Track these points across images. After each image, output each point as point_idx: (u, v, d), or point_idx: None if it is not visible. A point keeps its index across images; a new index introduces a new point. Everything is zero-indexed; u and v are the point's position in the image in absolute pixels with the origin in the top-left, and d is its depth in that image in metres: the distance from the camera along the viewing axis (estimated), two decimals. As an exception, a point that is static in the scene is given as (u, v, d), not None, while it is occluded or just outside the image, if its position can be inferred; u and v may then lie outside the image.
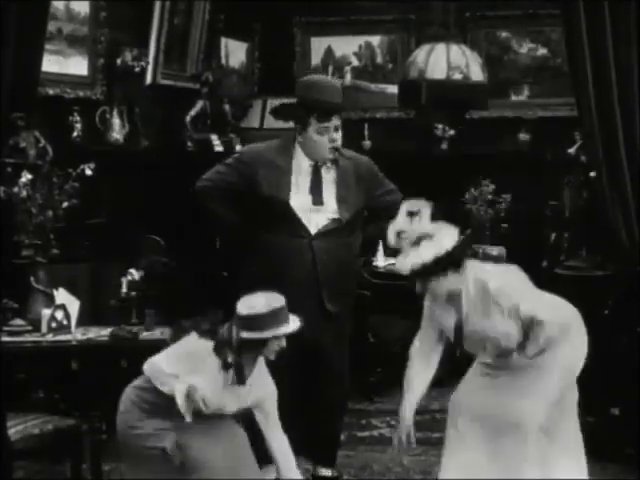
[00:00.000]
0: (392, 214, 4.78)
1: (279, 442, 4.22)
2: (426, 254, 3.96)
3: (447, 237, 4.01)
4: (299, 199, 4.68)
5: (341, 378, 4.85)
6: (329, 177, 4.74)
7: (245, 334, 4.03)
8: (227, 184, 4.77)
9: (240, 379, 4.07)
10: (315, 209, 4.70)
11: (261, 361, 4.18)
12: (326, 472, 4.95)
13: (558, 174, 7.35)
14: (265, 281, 4.66)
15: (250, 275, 4.74)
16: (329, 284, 4.67)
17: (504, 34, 9.21)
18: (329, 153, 4.69)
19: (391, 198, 4.84)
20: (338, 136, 4.69)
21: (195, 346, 4.08)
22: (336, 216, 4.70)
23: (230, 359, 4.04)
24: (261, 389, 4.19)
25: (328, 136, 4.65)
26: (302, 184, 4.71)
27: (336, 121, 4.68)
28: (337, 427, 4.93)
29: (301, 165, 4.72)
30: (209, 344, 4.06)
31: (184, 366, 4.03)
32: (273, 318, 4.04)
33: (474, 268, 4.10)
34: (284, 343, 4.09)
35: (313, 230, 4.69)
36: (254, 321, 4.04)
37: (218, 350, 4.06)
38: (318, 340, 4.66)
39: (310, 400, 4.79)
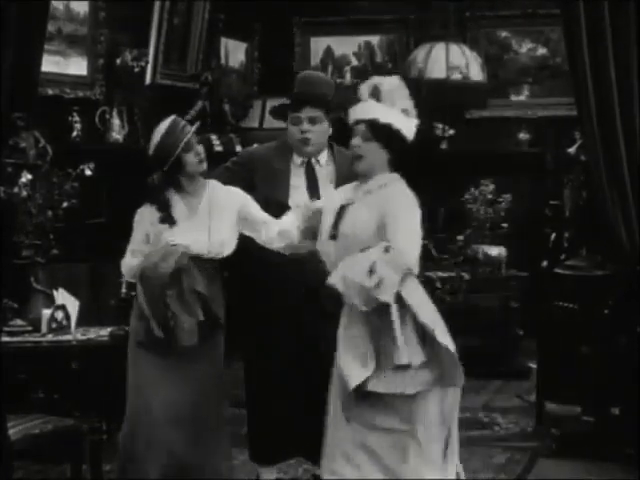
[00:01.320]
0: None
1: (280, 223, 4.36)
2: (396, 118, 4.00)
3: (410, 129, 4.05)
4: (298, 198, 4.65)
5: None
6: (325, 174, 4.72)
7: (163, 168, 4.27)
8: None
9: (168, 214, 4.32)
10: None
11: (213, 186, 4.41)
12: None
13: (558, 174, 7.35)
14: (265, 280, 4.66)
15: (251, 274, 4.74)
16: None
17: (504, 34, 9.22)
18: (300, 143, 4.64)
19: None
20: (313, 128, 4.62)
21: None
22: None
23: (161, 198, 4.33)
24: (227, 204, 4.34)
25: (299, 126, 4.62)
26: (300, 183, 4.70)
27: (310, 112, 4.62)
28: None
29: (296, 163, 4.72)
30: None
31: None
32: (172, 136, 4.26)
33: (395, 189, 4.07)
34: (200, 149, 4.37)
35: None
36: (160, 149, 4.26)
37: (152, 199, 4.36)
38: (319, 341, 4.65)
39: (310, 401, 4.78)
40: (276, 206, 4.62)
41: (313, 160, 4.71)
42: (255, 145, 5.03)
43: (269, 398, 4.78)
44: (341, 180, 4.65)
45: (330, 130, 4.71)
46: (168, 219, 4.32)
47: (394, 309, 3.81)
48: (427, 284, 6.92)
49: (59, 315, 4.86)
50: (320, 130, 4.64)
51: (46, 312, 4.85)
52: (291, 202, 4.64)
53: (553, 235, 6.35)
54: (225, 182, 4.67)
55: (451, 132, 9.08)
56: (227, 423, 6.00)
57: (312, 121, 4.61)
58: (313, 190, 4.67)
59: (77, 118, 6.69)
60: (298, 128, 4.62)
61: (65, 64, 6.75)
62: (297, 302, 4.63)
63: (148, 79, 7.63)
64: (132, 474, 4.27)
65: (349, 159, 4.77)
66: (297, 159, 4.71)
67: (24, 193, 5.08)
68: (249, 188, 4.64)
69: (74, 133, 6.66)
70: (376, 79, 4.15)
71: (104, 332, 4.89)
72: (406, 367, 3.83)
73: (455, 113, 9.04)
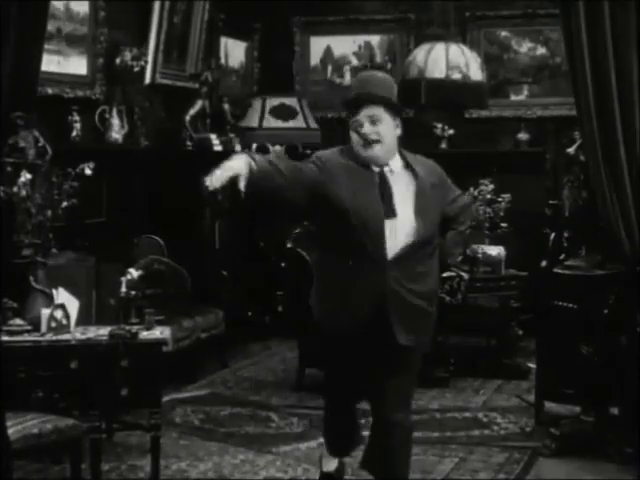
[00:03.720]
0: (461, 219, 4.34)
1: None
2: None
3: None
4: (370, 212, 4.09)
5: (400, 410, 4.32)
6: (401, 185, 4.16)
7: None
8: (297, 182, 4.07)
9: None
10: (389, 225, 4.08)
11: None
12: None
13: (557, 174, 7.34)
14: (330, 307, 4.24)
15: (318, 298, 4.31)
16: (402, 318, 4.12)
17: (503, 33, 9.23)
18: (362, 149, 4.11)
19: (460, 204, 4.36)
20: (375, 129, 4.10)
21: None
22: (414, 235, 4.09)
23: None
24: None
25: (361, 129, 4.10)
26: (373, 197, 4.13)
27: (368, 111, 4.09)
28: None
29: (373, 172, 4.16)
30: None
31: None
32: None
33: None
34: None
35: (389, 254, 4.07)
36: None
37: None
38: (384, 371, 4.25)
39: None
40: (366, 225, 4.08)
41: (386, 169, 4.16)
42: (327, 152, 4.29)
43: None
44: (420, 192, 4.15)
45: (399, 131, 4.19)
46: None
47: None
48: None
49: (58, 314, 4.86)
50: (385, 130, 4.12)
51: (45, 311, 4.85)
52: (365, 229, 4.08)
53: (552, 235, 6.34)
54: (308, 176, 4.12)
55: (451, 132, 9.09)
56: (227, 423, 6.03)
57: (372, 122, 4.11)
58: (387, 202, 4.12)
59: (77, 117, 6.68)
60: (359, 131, 4.12)
61: (65, 63, 6.75)
62: (365, 333, 4.16)
63: (148, 78, 7.63)
64: None
65: (424, 168, 4.24)
66: (375, 168, 4.16)
67: (24, 192, 5.07)
68: (324, 194, 4.10)
69: (74, 132, 6.66)
70: None
71: (103, 331, 4.88)
72: None
73: (455, 113, 9.05)
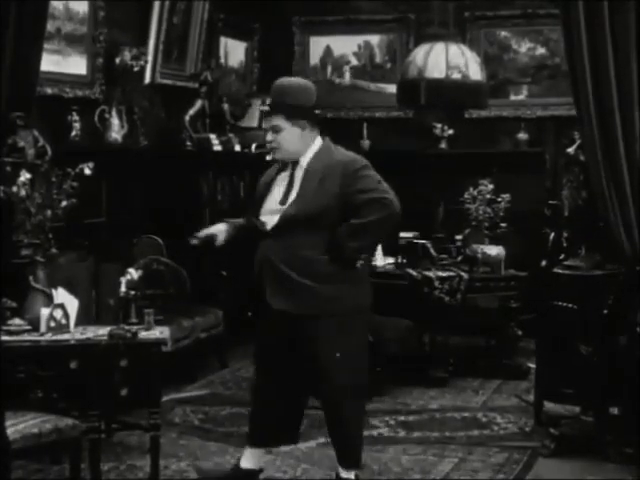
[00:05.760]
0: (363, 213, 4.59)
1: None
2: None
3: None
4: (272, 201, 4.75)
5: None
6: (298, 177, 4.73)
7: None
8: None
9: None
10: (277, 210, 4.70)
11: None
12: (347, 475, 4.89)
13: (557, 174, 7.34)
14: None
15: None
16: (270, 280, 4.70)
17: (503, 33, 9.24)
18: (271, 152, 4.78)
19: (365, 197, 4.58)
20: (275, 137, 4.67)
21: None
22: (287, 210, 4.67)
23: None
24: None
25: (267, 136, 4.74)
26: (282, 189, 4.76)
27: (269, 122, 4.71)
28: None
29: (286, 172, 4.79)
30: None
31: None
32: None
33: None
34: None
35: (269, 226, 4.74)
36: None
37: None
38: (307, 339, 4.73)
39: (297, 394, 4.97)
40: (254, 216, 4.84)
41: (297, 165, 4.74)
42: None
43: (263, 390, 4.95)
44: (306, 181, 4.67)
45: (307, 131, 4.69)
46: None
47: None
48: (426, 284, 6.94)
49: (58, 314, 4.86)
50: (283, 137, 4.66)
51: (45, 311, 4.84)
52: (265, 206, 4.78)
53: (552, 235, 6.34)
54: None
55: (450, 132, 9.09)
56: (227, 423, 6.02)
57: (274, 130, 4.68)
58: (285, 192, 4.72)
59: (76, 117, 6.68)
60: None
61: (64, 63, 6.75)
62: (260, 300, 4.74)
63: (147, 78, 7.63)
64: None
65: (325, 161, 4.69)
66: (287, 168, 4.78)
67: (23, 192, 5.06)
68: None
69: (73, 132, 6.66)
70: None
71: (103, 331, 4.88)
72: None
73: (455, 113, 9.05)
